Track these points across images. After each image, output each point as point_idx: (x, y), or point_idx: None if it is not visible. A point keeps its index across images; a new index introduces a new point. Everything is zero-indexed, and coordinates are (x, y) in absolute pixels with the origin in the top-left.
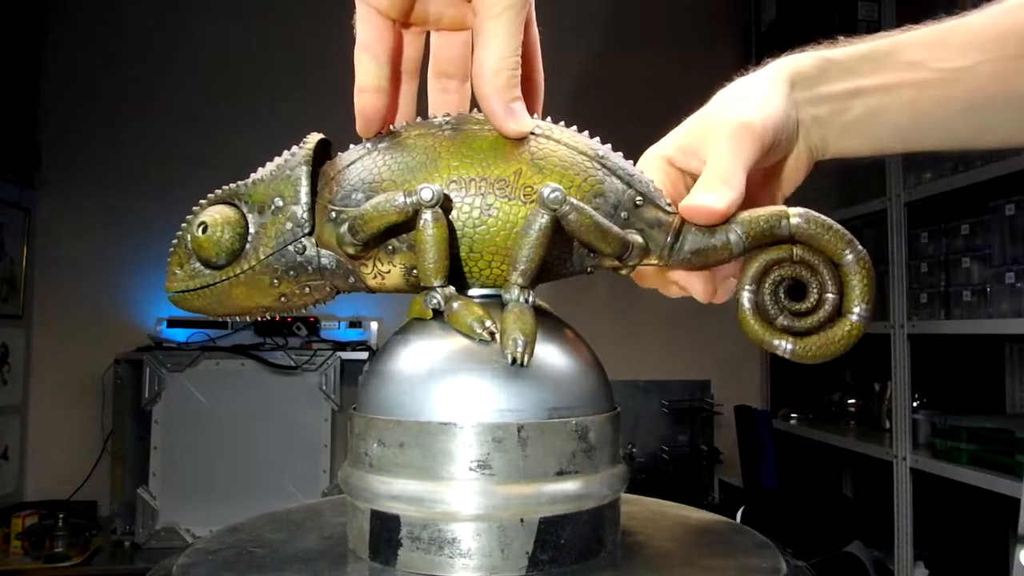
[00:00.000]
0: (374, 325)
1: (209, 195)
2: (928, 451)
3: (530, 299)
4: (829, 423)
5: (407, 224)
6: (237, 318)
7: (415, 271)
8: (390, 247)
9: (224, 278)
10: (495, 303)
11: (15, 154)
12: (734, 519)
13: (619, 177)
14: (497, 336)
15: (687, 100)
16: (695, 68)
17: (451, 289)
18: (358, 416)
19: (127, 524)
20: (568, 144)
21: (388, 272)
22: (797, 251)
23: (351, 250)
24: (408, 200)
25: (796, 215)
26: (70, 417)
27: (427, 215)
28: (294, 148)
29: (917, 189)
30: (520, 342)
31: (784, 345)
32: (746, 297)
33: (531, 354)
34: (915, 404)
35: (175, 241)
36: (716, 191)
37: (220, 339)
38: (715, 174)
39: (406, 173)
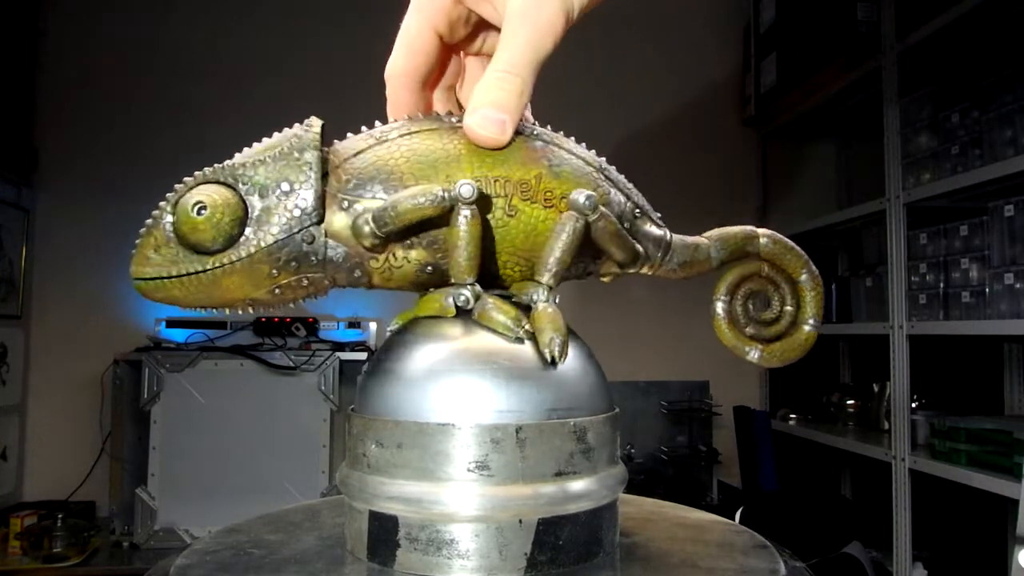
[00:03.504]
0: (373, 326)
1: (196, 173)
2: (927, 452)
3: (557, 299)
4: (828, 424)
5: (434, 220)
6: (215, 311)
7: (428, 268)
8: (408, 242)
9: (217, 265)
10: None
11: (14, 154)
12: (733, 520)
13: (620, 189)
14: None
15: (687, 100)
16: (695, 68)
17: (479, 288)
18: (356, 417)
19: (126, 524)
20: (576, 154)
21: (400, 268)
22: (765, 268)
23: (369, 242)
24: (446, 195)
25: (765, 236)
26: (69, 417)
27: (466, 212)
28: (294, 130)
29: (916, 190)
30: (557, 341)
31: (753, 352)
32: (720, 306)
33: (566, 353)
34: (914, 405)
35: (149, 222)
36: (504, 107)
37: (219, 339)
38: (504, 79)
39: (426, 168)
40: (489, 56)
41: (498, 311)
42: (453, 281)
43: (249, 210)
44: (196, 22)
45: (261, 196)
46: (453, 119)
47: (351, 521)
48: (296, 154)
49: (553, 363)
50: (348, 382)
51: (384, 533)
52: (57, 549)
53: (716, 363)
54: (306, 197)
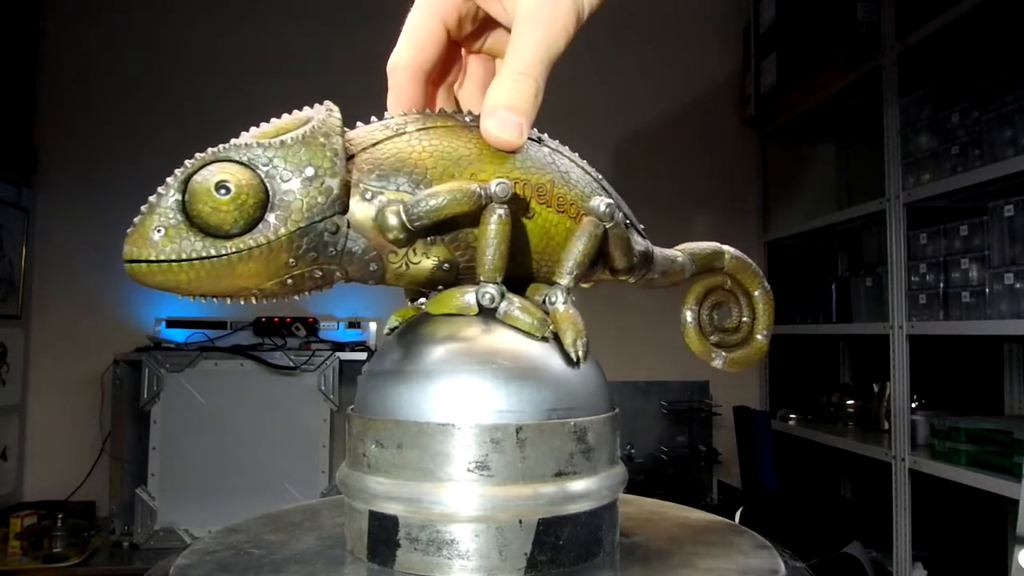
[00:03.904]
0: (373, 326)
1: (210, 149)
2: (927, 452)
3: (573, 300)
4: (828, 424)
5: (462, 217)
6: (215, 300)
7: (446, 265)
8: (430, 239)
9: (233, 250)
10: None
11: (14, 154)
12: (733, 520)
13: (613, 199)
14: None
15: (687, 100)
16: (695, 68)
17: (504, 287)
18: (356, 417)
19: (126, 524)
20: (576, 163)
21: (417, 264)
22: (728, 282)
23: (396, 235)
24: (483, 193)
25: (729, 253)
26: (69, 417)
27: (500, 211)
28: (311, 113)
29: (916, 190)
30: (582, 342)
31: (717, 359)
32: (689, 315)
33: (588, 353)
34: (914, 405)
35: (152, 199)
36: (520, 110)
37: (219, 339)
38: (520, 81)
39: (451, 165)
40: (490, 55)
41: (524, 311)
42: (482, 279)
43: (270, 193)
44: (196, 22)
45: (283, 179)
46: (466, 118)
47: (351, 521)
48: (321, 139)
49: (577, 363)
50: (348, 382)
51: (384, 533)
52: (57, 549)
53: None
54: (331, 185)
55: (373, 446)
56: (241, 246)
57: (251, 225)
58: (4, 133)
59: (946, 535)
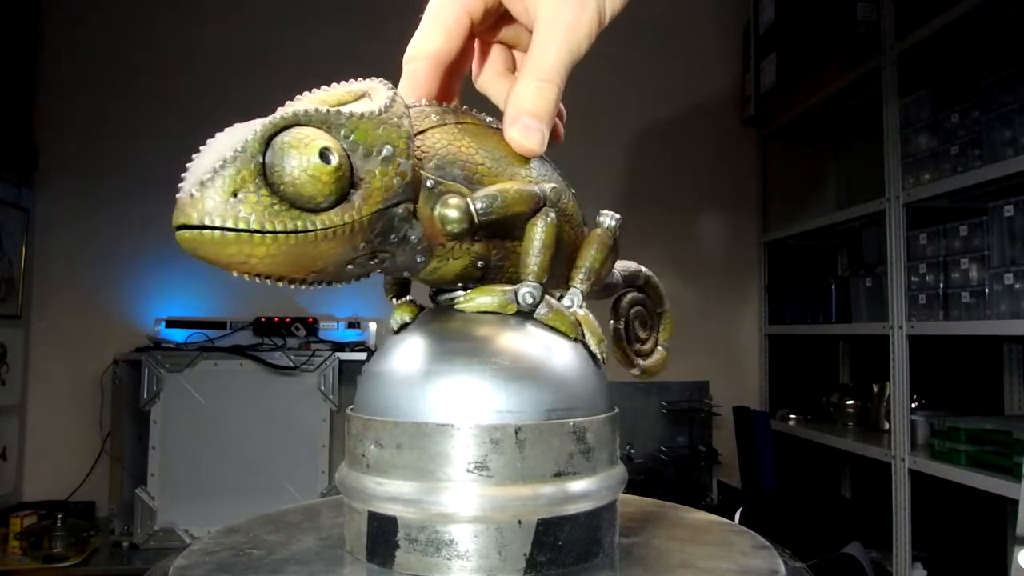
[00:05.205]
0: (372, 326)
1: (289, 108)
2: (926, 452)
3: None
4: (828, 424)
5: (516, 216)
6: (269, 282)
7: (480, 263)
8: (476, 235)
9: (321, 226)
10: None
11: (13, 154)
12: (732, 520)
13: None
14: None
15: (687, 100)
16: (695, 68)
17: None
18: (355, 417)
19: (125, 524)
20: (559, 174)
21: (458, 259)
22: (646, 298)
23: (458, 228)
24: (542, 195)
25: (644, 273)
26: (68, 417)
27: (552, 214)
28: (367, 86)
29: (916, 190)
30: (604, 344)
31: (636, 368)
32: (615, 328)
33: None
34: (914, 405)
35: (228, 156)
36: (542, 117)
37: (219, 339)
38: (542, 88)
39: (495, 163)
40: (507, 45)
41: (563, 314)
42: (529, 279)
43: (354, 169)
44: (196, 21)
45: (365, 156)
46: (487, 118)
47: (350, 522)
48: (395, 119)
49: (602, 364)
50: (348, 382)
51: (383, 534)
52: (57, 549)
53: (716, 363)
54: (406, 168)
55: (372, 446)
56: (327, 222)
57: (339, 201)
58: (4, 133)
59: (946, 535)
